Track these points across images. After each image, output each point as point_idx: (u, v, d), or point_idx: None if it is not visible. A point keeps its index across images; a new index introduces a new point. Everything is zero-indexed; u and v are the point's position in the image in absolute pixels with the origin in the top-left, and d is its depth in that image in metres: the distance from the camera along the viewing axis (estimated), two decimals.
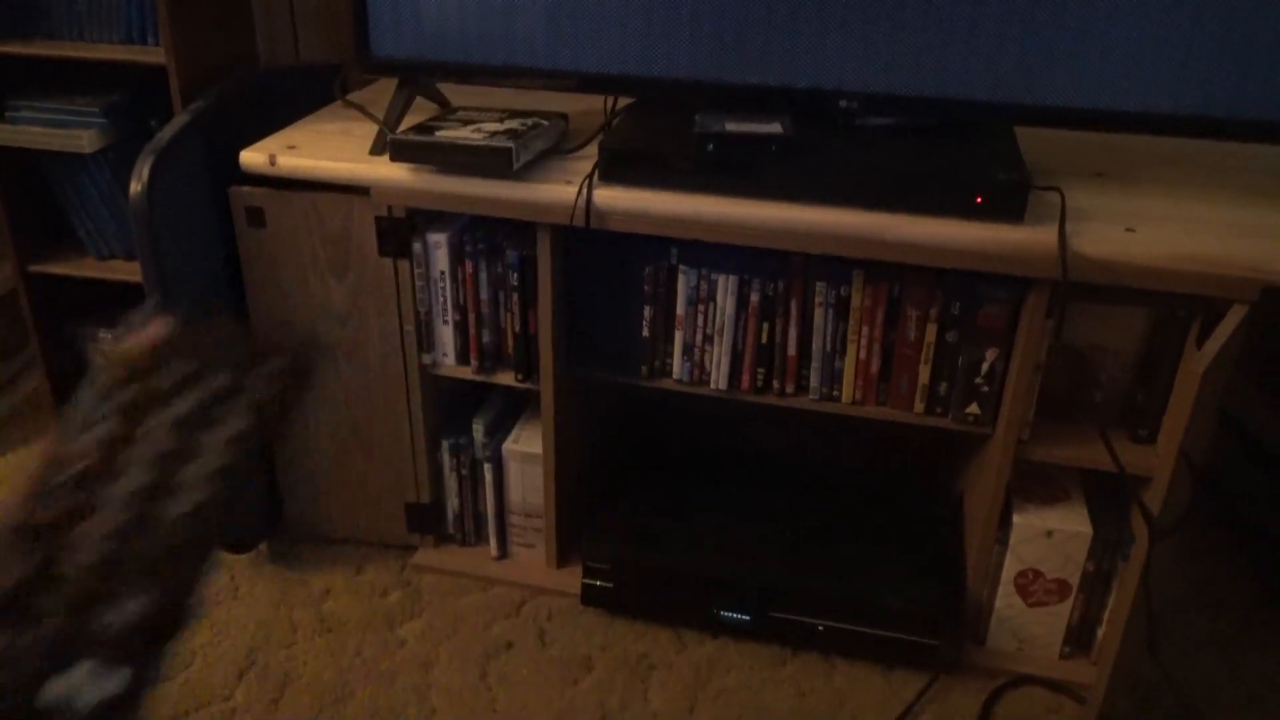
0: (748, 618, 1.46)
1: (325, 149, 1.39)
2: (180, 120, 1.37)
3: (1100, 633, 1.43)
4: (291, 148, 1.39)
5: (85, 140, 1.48)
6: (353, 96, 1.61)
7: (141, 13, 1.44)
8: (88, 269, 1.58)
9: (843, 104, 1.28)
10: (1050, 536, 1.37)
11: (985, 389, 1.33)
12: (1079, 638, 1.45)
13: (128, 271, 1.56)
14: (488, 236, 1.39)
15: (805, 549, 1.50)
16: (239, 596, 1.56)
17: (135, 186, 1.30)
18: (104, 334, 1.66)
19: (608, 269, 1.39)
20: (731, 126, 1.23)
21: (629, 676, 1.43)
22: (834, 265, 1.32)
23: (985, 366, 1.32)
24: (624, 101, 1.46)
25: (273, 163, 1.37)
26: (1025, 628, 1.45)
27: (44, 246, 1.62)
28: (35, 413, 2.00)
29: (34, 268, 1.58)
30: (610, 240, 1.35)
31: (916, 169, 1.21)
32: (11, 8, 1.46)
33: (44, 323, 1.63)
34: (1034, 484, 1.43)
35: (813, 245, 1.25)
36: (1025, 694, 1.43)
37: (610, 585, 1.49)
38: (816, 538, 1.52)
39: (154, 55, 1.40)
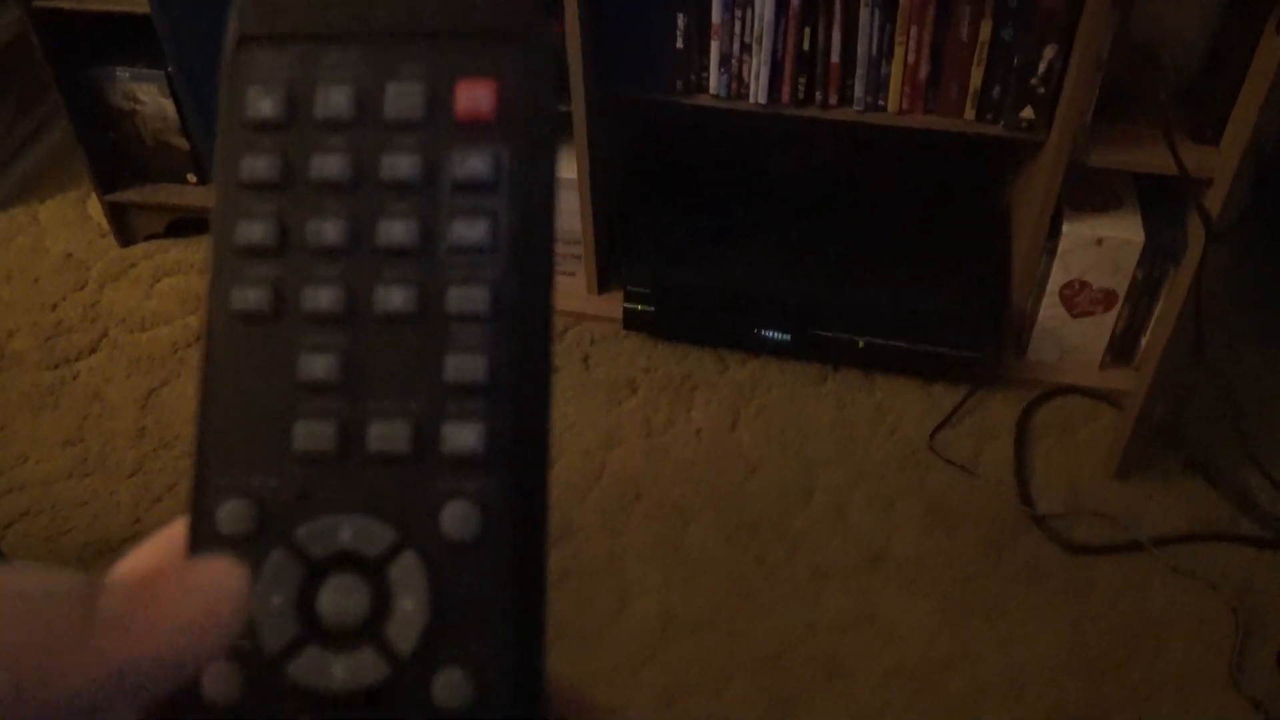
0: (788, 337, 1.46)
1: None
2: None
3: (1144, 341, 1.42)
4: None
5: None
6: None
7: None
8: (93, 1, 1.51)
9: None
10: (1100, 245, 1.34)
11: (1041, 91, 1.26)
12: (1121, 348, 1.45)
13: (134, 2, 1.49)
14: None
15: (846, 266, 1.48)
16: None
17: None
18: (122, 72, 1.61)
19: None
20: None
21: (672, 396, 1.46)
22: None
23: (1043, 66, 1.24)
24: None
25: None
26: (1068, 339, 1.44)
27: None
28: (65, 162, 1.98)
29: (38, 3, 1.51)
30: None
31: None
32: None
33: (60, 68, 1.58)
34: (1086, 192, 1.38)
35: None
36: (1064, 403, 1.45)
37: (651, 309, 1.49)
38: (858, 255, 1.49)
39: None
